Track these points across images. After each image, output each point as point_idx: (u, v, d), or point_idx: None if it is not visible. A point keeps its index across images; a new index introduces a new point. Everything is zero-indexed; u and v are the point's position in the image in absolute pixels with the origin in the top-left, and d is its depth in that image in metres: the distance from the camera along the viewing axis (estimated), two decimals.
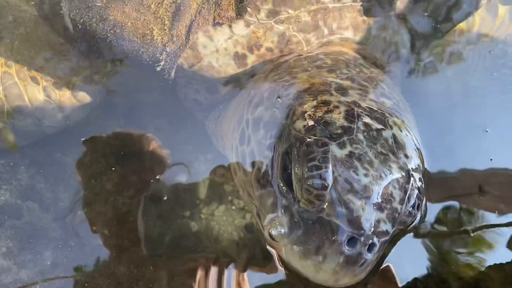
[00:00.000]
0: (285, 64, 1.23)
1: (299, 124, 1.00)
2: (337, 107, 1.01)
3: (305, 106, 1.03)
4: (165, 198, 1.47)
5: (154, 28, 1.22)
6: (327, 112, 1.00)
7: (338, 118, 0.98)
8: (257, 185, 1.05)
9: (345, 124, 0.97)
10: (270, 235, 0.98)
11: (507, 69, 1.45)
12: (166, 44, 1.24)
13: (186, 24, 1.23)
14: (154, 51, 1.24)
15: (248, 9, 1.23)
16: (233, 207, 1.50)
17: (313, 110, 1.01)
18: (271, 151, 1.04)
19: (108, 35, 1.22)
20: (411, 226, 1.03)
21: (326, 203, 0.91)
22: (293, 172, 0.96)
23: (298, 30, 1.27)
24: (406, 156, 0.99)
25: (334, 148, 0.93)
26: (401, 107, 1.14)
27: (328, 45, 1.32)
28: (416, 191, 0.97)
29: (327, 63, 1.21)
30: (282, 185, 1.00)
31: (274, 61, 1.29)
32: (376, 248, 0.90)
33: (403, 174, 0.96)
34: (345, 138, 0.95)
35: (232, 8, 1.23)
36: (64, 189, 1.47)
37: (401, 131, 1.02)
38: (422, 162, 1.08)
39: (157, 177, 1.49)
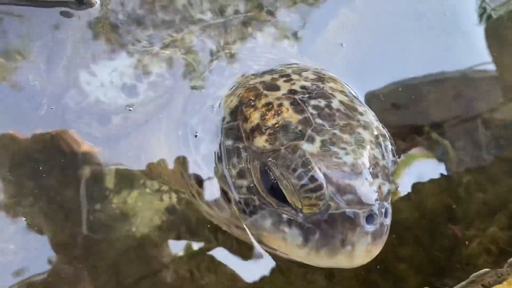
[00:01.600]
0: (193, 93, 1.26)
1: (260, 141, 1.01)
2: (280, 104, 1.03)
3: (251, 120, 1.04)
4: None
5: (29, 74, 1.22)
6: (276, 114, 1.02)
7: (290, 115, 1.01)
8: (245, 215, 1.05)
9: (300, 117, 1.00)
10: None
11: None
12: (45, 87, 1.22)
13: (63, 65, 1.22)
14: (34, 97, 1.23)
15: (128, 38, 1.24)
16: (147, 190, 1.45)
17: (262, 120, 1.03)
18: (244, 178, 1.04)
19: None
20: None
21: (329, 198, 0.93)
22: (282, 188, 0.97)
23: (185, 52, 1.29)
24: (361, 113, 1.04)
25: (306, 147, 0.95)
26: (319, 70, 1.20)
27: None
28: (386, 139, 1.03)
29: (236, 68, 1.26)
30: (274, 203, 1.00)
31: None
32: (389, 210, 0.98)
33: (370, 131, 1.00)
34: (308, 131, 0.97)
35: (110, 42, 1.23)
36: None
37: (341, 93, 1.08)
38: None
39: (56, 178, 1.39)
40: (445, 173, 1.50)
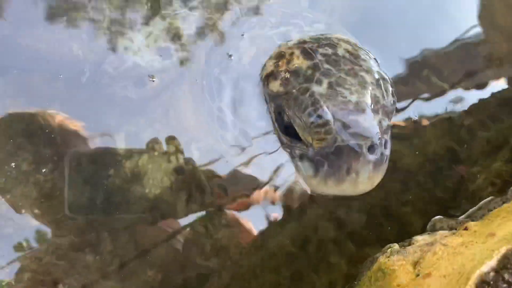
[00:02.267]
0: (216, 41, 1.36)
1: (274, 85, 1.17)
2: (292, 53, 1.19)
3: (266, 67, 1.21)
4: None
5: (72, 44, 1.32)
6: (288, 62, 1.17)
7: (300, 62, 1.16)
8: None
9: (309, 63, 1.14)
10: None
11: None
12: (88, 56, 1.32)
13: (103, 33, 1.32)
14: (76, 64, 1.33)
15: (160, 3, 1.34)
16: (156, 153, 1.51)
17: (276, 67, 1.18)
18: (262, 120, 1.21)
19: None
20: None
21: (336, 133, 1.06)
22: (295, 126, 1.12)
23: (212, 11, 1.38)
24: (364, 60, 1.18)
25: (315, 88, 1.10)
26: (329, 22, 1.34)
27: None
28: (387, 82, 1.15)
29: (253, 22, 1.35)
30: (288, 140, 1.16)
31: None
32: (388, 143, 1.11)
33: (372, 75, 1.13)
34: (317, 74, 1.11)
35: (145, 8, 1.33)
36: None
37: (347, 43, 1.22)
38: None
39: (72, 146, 1.47)
40: (445, 116, 1.52)
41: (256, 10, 1.40)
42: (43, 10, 1.30)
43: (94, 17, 1.32)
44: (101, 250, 1.43)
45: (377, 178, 1.10)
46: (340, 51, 1.18)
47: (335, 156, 1.07)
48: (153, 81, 1.38)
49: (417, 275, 0.98)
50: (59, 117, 1.50)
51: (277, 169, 1.34)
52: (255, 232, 1.44)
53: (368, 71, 1.15)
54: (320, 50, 1.17)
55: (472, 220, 1.12)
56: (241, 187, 1.45)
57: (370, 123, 1.06)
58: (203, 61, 1.37)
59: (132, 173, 1.49)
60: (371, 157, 1.05)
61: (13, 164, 1.44)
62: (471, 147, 1.46)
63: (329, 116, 1.06)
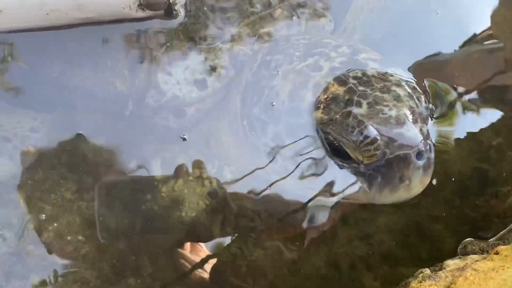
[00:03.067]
0: (248, 82, 1.43)
1: (317, 114, 1.25)
2: (327, 82, 1.27)
3: (307, 99, 1.29)
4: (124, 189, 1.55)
5: (115, 81, 1.42)
6: (325, 91, 1.26)
7: (336, 89, 1.24)
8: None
9: (345, 88, 1.23)
10: None
11: None
12: (130, 91, 1.43)
13: (144, 69, 1.43)
14: (120, 100, 1.45)
15: (196, 39, 1.43)
16: (190, 178, 1.57)
17: (315, 97, 1.28)
18: (310, 146, 1.29)
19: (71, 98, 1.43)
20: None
21: (384, 147, 1.15)
22: (345, 148, 1.21)
23: (243, 43, 1.48)
24: (391, 74, 1.28)
25: (356, 110, 1.18)
26: (351, 43, 1.42)
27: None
28: (417, 91, 1.25)
29: (280, 59, 1.42)
30: (339, 161, 1.25)
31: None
32: (432, 146, 1.21)
33: (402, 86, 1.23)
34: (355, 97, 1.20)
35: (182, 45, 1.43)
36: (28, 209, 1.55)
37: (373, 61, 1.31)
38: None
39: (111, 173, 1.56)
40: (473, 137, 1.55)
41: (276, 47, 1.47)
42: (89, 51, 1.39)
43: (135, 54, 1.41)
44: (141, 273, 1.51)
45: (427, 179, 1.20)
46: (370, 71, 1.27)
47: (386, 168, 1.17)
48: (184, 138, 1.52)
49: None
50: (102, 146, 1.60)
51: (312, 193, 1.42)
52: (289, 254, 1.50)
53: (398, 84, 1.24)
54: (351, 74, 1.26)
55: (504, 243, 1.15)
56: (275, 210, 1.51)
57: (413, 133, 1.15)
58: (238, 101, 1.45)
59: (169, 197, 1.57)
60: (420, 162, 1.15)
61: (58, 193, 1.53)
62: (501, 167, 1.48)
63: (375, 134, 1.15)
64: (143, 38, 1.42)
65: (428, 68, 1.63)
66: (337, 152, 1.24)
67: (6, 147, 1.53)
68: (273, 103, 1.35)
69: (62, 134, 1.54)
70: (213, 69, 1.46)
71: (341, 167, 1.27)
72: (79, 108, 1.50)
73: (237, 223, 1.54)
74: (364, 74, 1.26)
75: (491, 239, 1.31)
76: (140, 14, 1.30)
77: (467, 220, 1.46)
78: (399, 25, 1.72)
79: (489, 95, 1.58)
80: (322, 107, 1.24)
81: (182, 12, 1.37)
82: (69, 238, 1.52)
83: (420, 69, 1.59)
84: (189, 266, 1.52)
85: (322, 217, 1.48)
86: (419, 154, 1.15)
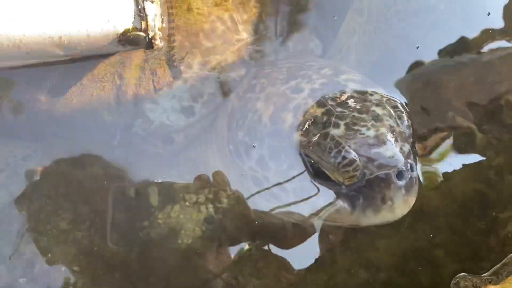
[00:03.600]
0: (235, 107, 1.45)
1: (297, 137, 1.26)
2: (306, 103, 1.29)
3: (287, 120, 1.29)
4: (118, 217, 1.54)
5: (102, 111, 1.43)
6: (305, 113, 1.26)
7: (314, 110, 1.26)
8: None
9: (323, 109, 1.25)
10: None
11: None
12: (118, 121, 1.44)
13: (130, 99, 1.43)
14: (107, 129, 1.47)
15: (181, 68, 1.43)
16: (187, 203, 1.57)
17: (294, 119, 1.28)
18: (293, 169, 1.28)
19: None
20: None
21: (363, 168, 1.14)
22: (324, 169, 1.21)
23: (230, 70, 1.49)
24: (371, 94, 1.28)
25: (334, 132, 1.18)
26: (334, 65, 1.44)
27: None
28: (399, 110, 1.25)
29: (264, 82, 1.43)
30: (323, 183, 1.24)
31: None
32: (414, 166, 1.19)
33: (383, 107, 1.22)
34: (332, 119, 1.20)
35: (167, 74, 1.42)
36: (25, 240, 1.54)
37: (353, 82, 1.32)
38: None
39: (106, 201, 1.55)
40: (473, 158, 1.53)
41: (262, 71, 1.49)
42: (75, 83, 1.39)
43: (121, 84, 1.40)
44: None
45: (412, 200, 1.19)
46: (349, 91, 1.28)
47: (367, 188, 1.15)
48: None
49: None
50: (95, 174, 1.59)
51: (300, 217, 1.39)
52: (286, 283, 1.47)
53: (378, 104, 1.24)
54: (330, 95, 1.27)
55: (497, 278, 1.12)
56: (272, 235, 1.49)
57: (392, 152, 1.14)
58: (225, 126, 1.45)
59: (165, 224, 1.55)
60: (401, 182, 1.14)
61: (52, 223, 1.53)
62: (501, 190, 1.45)
63: (353, 155, 1.14)
64: (128, 69, 1.42)
65: (422, 89, 1.62)
66: (318, 174, 1.23)
67: None
68: (256, 126, 1.35)
69: (56, 162, 1.55)
70: (200, 96, 1.47)
71: (324, 189, 1.25)
72: (68, 139, 1.52)
73: (233, 250, 1.52)
74: (342, 95, 1.27)
75: (485, 274, 1.29)
76: (121, 48, 1.30)
77: (469, 245, 1.44)
78: (393, 46, 1.71)
79: (486, 116, 1.56)
80: (301, 129, 1.25)
81: (162, 44, 1.37)
82: (63, 269, 1.51)
83: (414, 89, 1.59)
84: None
85: (320, 242, 1.46)
86: (399, 174, 1.14)
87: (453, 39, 1.66)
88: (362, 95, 1.26)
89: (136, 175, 1.58)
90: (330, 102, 1.24)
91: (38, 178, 1.55)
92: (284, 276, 1.46)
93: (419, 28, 1.73)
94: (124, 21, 1.24)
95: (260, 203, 1.44)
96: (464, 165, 1.51)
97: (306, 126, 1.24)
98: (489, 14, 1.66)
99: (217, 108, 1.51)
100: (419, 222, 1.46)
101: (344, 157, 1.14)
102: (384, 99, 1.27)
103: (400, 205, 1.15)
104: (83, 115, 1.43)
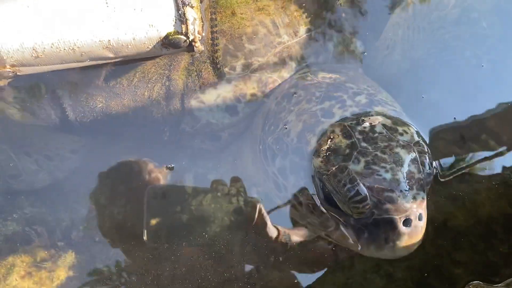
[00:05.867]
0: (271, 111, 1.50)
1: (316, 162, 1.27)
2: (333, 131, 1.28)
3: (311, 144, 1.31)
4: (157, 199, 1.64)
5: (153, 109, 1.54)
6: (330, 140, 1.27)
7: (340, 140, 1.25)
8: (312, 215, 1.35)
9: (348, 142, 1.24)
10: None
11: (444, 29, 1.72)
12: (166, 118, 1.55)
13: (178, 98, 1.53)
14: (157, 126, 1.58)
15: (225, 70, 1.51)
16: (219, 194, 1.65)
17: (318, 144, 1.29)
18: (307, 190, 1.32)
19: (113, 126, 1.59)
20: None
21: (374, 207, 1.17)
22: (335, 199, 1.23)
23: (271, 71, 1.54)
24: (401, 134, 1.25)
25: (352, 167, 1.19)
26: (372, 92, 1.42)
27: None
28: (425, 155, 1.22)
29: (301, 95, 1.46)
30: (331, 211, 1.27)
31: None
32: (423, 215, 1.19)
33: (409, 150, 1.21)
34: (354, 153, 1.21)
35: (212, 75, 1.51)
36: (63, 209, 1.67)
37: (386, 117, 1.30)
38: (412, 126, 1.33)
39: (144, 183, 1.65)
40: (503, 179, 1.55)
41: (302, 81, 1.53)
42: (127, 83, 1.52)
43: (170, 84, 1.52)
44: (161, 280, 1.58)
45: (414, 245, 1.19)
46: (378, 128, 1.26)
47: (373, 226, 1.18)
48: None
49: None
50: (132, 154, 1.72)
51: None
52: (304, 278, 1.53)
53: (405, 146, 1.22)
54: (358, 128, 1.26)
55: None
56: (296, 234, 1.55)
57: (403, 200, 1.15)
58: (260, 125, 1.53)
59: (197, 210, 1.64)
60: (405, 229, 1.15)
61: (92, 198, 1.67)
62: None
63: (365, 193, 1.16)
64: (175, 70, 1.52)
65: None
66: (329, 201, 1.26)
67: (48, 165, 1.68)
68: (285, 129, 1.40)
69: (103, 154, 1.71)
70: (243, 96, 1.55)
71: (331, 215, 1.29)
72: (121, 135, 1.65)
73: (257, 242, 1.59)
74: (372, 130, 1.25)
75: (499, 284, 1.30)
76: (165, 51, 1.40)
77: (489, 266, 1.46)
78: (434, 45, 1.74)
79: None
80: (322, 155, 1.26)
81: (202, 47, 1.44)
82: (97, 239, 1.62)
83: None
84: (207, 279, 1.57)
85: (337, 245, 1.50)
86: (406, 221, 1.15)
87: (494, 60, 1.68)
88: (391, 133, 1.25)
89: (176, 163, 1.69)
90: (356, 135, 1.24)
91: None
92: (304, 271, 1.52)
93: (457, 39, 1.72)
94: (166, 25, 1.33)
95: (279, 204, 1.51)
96: (492, 187, 1.53)
97: (327, 154, 1.25)
98: None
99: (259, 107, 1.58)
100: (441, 238, 1.51)
101: (356, 194, 1.16)
102: (413, 141, 1.25)
103: (401, 249, 1.17)
104: (134, 113, 1.54)
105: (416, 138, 1.26)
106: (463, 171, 1.55)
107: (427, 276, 1.48)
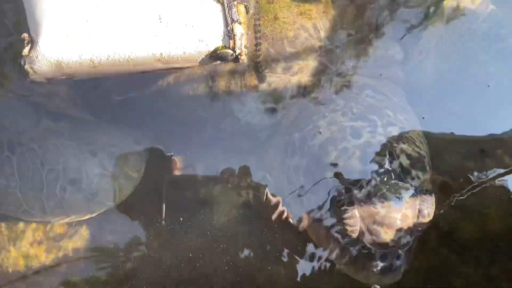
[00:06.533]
0: (305, 111, 1.54)
1: (328, 175, 1.34)
2: (354, 152, 1.33)
3: (328, 157, 1.36)
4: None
5: (196, 107, 1.63)
6: (348, 158, 1.33)
7: (355, 161, 1.31)
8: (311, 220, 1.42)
9: (361, 167, 1.30)
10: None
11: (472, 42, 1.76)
12: (209, 117, 1.64)
13: (220, 99, 1.60)
14: (200, 123, 1.67)
15: (266, 72, 1.55)
16: (229, 185, 1.67)
17: (334, 159, 1.35)
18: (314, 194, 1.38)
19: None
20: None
21: (361, 233, 1.24)
22: (334, 213, 1.31)
23: (310, 75, 1.57)
24: (412, 178, 1.31)
25: (356, 191, 1.26)
26: (406, 127, 1.45)
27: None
28: (426, 202, 1.26)
29: (340, 105, 1.49)
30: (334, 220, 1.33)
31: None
32: (402, 256, 1.25)
33: (412, 194, 1.26)
34: (362, 181, 1.27)
35: (254, 78, 1.55)
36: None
37: (406, 156, 1.34)
38: (430, 167, 1.40)
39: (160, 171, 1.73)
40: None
41: (345, 91, 1.57)
42: (174, 82, 1.60)
43: (212, 86, 1.58)
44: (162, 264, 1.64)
45: (387, 280, 1.26)
46: (395, 164, 1.31)
47: (355, 251, 1.27)
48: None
49: None
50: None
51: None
52: (307, 276, 1.54)
53: (410, 190, 1.27)
54: (377, 159, 1.32)
55: None
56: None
57: (387, 237, 1.22)
58: (293, 117, 1.56)
59: (205, 198, 1.68)
60: (381, 264, 1.23)
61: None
62: None
63: (356, 217, 1.24)
64: (219, 72, 1.58)
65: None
66: (333, 212, 1.33)
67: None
68: (308, 140, 1.44)
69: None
70: (282, 98, 1.59)
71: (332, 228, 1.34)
72: (167, 131, 1.75)
73: (261, 236, 1.62)
74: (389, 164, 1.31)
75: None
76: (212, 62, 1.47)
77: (491, 280, 1.45)
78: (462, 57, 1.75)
79: None
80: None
81: (246, 60, 1.50)
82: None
83: None
84: (212, 269, 1.60)
85: None
86: (383, 256, 1.23)
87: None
88: (403, 175, 1.30)
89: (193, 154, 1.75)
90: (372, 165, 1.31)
91: None
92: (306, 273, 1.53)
93: (484, 54, 1.72)
94: (215, 40, 1.40)
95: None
96: (503, 203, 1.52)
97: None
98: None
99: (297, 108, 1.61)
100: (446, 248, 1.51)
101: (349, 216, 1.24)
102: (422, 187, 1.30)
103: (373, 278, 1.25)
104: (179, 110, 1.65)
105: (424, 187, 1.31)
106: (476, 186, 1.54)
107: (427, 284, 1.49)
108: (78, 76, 1.44)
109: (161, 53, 1.38)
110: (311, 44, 1.55)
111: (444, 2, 1.68)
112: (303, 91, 1.57)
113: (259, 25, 1.50)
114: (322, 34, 1.56)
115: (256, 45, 1.50)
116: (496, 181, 1.53)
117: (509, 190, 1.53)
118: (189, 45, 1.38)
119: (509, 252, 1.47)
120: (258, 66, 1.52)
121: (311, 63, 1.56)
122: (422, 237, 1.32)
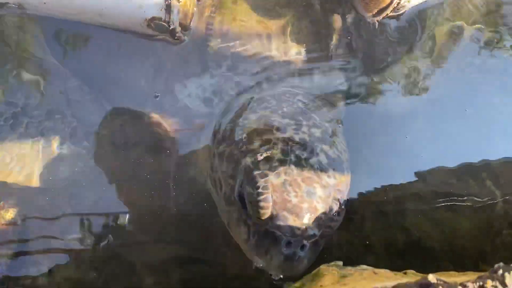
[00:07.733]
0: (239, 109, 1.63)
1: (248, 160, 1.38)
2: (276, 143, 1.40)
3: (253, 145, 1.43)
4: None
5: (141, 78, 1.75)
6: (268, 149, 1.38)
7: (276, 153, 1.37)
8: (225, 203, 1.47)
9: (281, 157, 1.36)
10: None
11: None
12: (150, 89, 1.75)
13: (164, 76, 1.74)
14: (143, 93, 1.76)
15: (212, 64, 1.69)
16: None
17: (257, 147, 1.41)
18: (232, 179, 1.42)
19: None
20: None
21: (270, 218, 1.28)
22: (246, 196, 1.34)
23: (252, 80, 1.70)
24: (328, 176, 1.36)
25: (272, 177, 1.31)
26: (329, 132, 1.51)
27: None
28: (337, 202, 1.34)
29: (272, 104, 1.58)
30: (240, 205, 1.38)
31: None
32: (307, 248, 1.29)
33: (325, 191, 1.33)
34: (280, 169, 1.33)
35: (199, 66, 1.70)
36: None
37: (326, 156, 1.40)
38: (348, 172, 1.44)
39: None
40: (487, 219, 1.58)
41: (282, 95, 1.64)
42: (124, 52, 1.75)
43: (161, 62, 1.73)
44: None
45: (286, 270, 1.30)
46: (313, 160, 1.38)
47: (262, 235, 1.30)
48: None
49: None
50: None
51: None
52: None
53: (325, 186, 1.34)
54: (297, 152, 1.38)
55: None
56: None
57: (295, 226, 1.27)
58: (227, 111, 1.68)
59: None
60: (285, 250, 1.27)
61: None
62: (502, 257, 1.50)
63: (269, 203, 1.28)
64: (166, 52, 1.72)
65: None
66: (240, 197, 1.37)
67: None
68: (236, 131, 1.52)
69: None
70: (220, 92, 1.71)
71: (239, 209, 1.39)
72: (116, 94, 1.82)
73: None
74: (306, 160, 1.37)
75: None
76: (151, 31, 1.61)
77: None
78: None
79: None
80: (254, 157, 1.37)
81: (184, 37, 1.66)
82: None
83: None
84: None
85: None
86: (288, 244, 1.26)
87: None
88: (320, 171, 1.36)
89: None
90: (291, 157, 1.36)
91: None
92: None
93: (489, 85, 1.78)
94: (153, 10, 1.54)
95: None
96: (476, 224, 1.56)
97: (260, 159, 1.36)
98: None
99: (232, 104, 1.71)
100: (412, 255, 1.58)
101: (262, 200, 1.28)
102: (336, 187, 1.36)
103: (275, 266, 1.28)
104: (127, 77, 1.77)
105: (343, 186, 1.39)
106: (453, 202, 1.60)
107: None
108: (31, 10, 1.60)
109: (102, 9, 1.54)
110: (260, 51, 1.67)
111: None
112: (243, 90, 1.69)
113: (214, 17, 1.66)
114: (273, 46, 1.67)
115: (206, 35, 1.66)
116: (474, 201, 1.59)
117: (484, 213, 1.58)
118: (129, 8, 1.53)
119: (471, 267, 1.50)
120: (205, 56, 1.67)
121: (255, 69, 1.69)
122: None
